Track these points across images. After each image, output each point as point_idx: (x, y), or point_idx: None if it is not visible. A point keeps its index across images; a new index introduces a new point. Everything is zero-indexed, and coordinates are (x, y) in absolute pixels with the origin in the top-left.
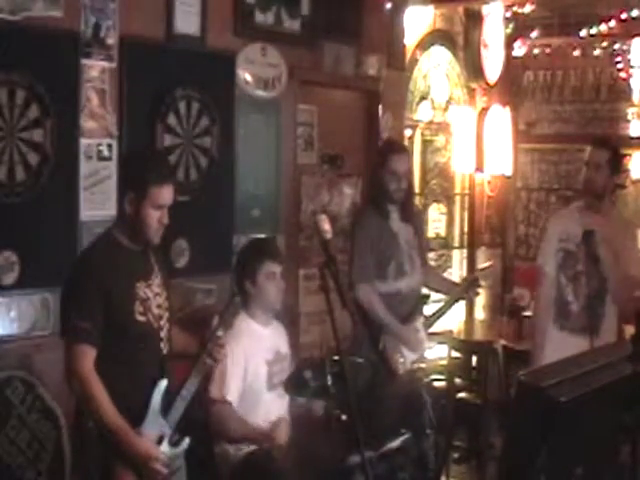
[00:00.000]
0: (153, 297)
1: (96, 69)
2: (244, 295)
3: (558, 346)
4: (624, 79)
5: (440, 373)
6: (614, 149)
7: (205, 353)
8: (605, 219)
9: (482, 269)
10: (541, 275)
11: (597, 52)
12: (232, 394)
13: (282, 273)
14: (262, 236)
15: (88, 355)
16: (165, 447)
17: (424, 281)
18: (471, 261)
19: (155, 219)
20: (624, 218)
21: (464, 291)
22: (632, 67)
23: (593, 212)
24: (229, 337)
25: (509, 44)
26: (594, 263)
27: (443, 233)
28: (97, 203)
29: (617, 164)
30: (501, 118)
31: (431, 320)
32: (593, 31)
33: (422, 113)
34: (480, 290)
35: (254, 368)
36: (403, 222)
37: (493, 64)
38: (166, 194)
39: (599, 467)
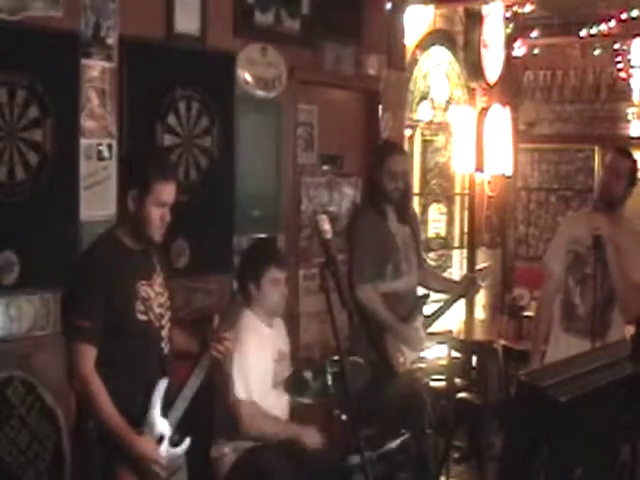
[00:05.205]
0: (155, 296)
1: (96, 69)
2: (246, 296)
3: (561, 347)
4: (624, 79)
5: (440, 373)
6: (635, 161)
7: (207, 352)
8: (616, 225)
9: (479, 270)
10: (546, 274)
11: (597, 52)
12: (256, 394)
13: (286, 279)
14: (264, 236)
15: (89, 354)
16: (165, 447)
17: (423, 282)
18: (471, 261)
19: (157, 217)
20: (634, 226)
21: (463, 290)
22: (632, 67)
23: (604, 217)
24: (240, 336)
25: (509, 44)
26: (603, 267)
27: (443, 233)
28: (97, 203)
29: (635, 176)
30: (501, 118)
31: (431, 319)
32: (593, 31)
33: (422, 113)
34: (479, 289)
35: (263, 366)
36: (400, 223)
37: (493, 64)
38: (169, 191)
39: (599, 467)
